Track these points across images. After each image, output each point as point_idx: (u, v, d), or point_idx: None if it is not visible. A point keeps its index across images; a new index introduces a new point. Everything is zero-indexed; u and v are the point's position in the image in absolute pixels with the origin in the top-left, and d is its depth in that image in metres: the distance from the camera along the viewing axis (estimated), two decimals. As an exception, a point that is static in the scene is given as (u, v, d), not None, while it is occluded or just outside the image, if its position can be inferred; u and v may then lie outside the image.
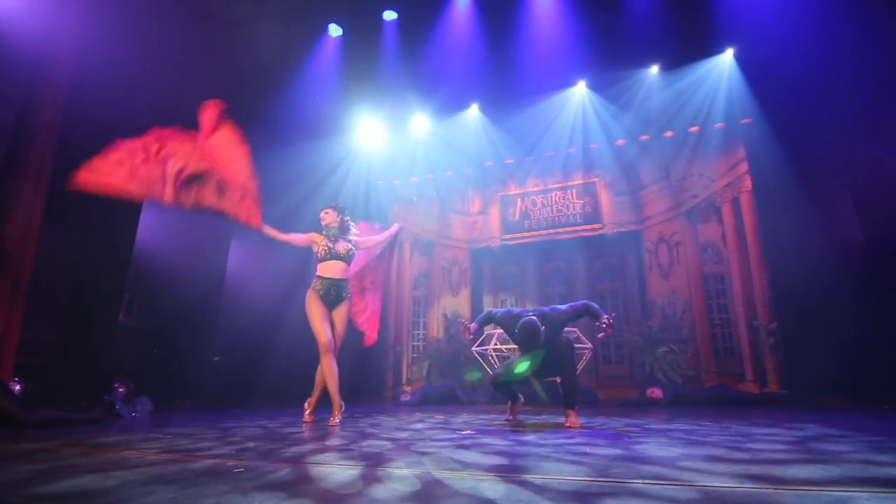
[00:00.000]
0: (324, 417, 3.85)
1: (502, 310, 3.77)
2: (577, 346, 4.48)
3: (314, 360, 3.92)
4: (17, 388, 4.33)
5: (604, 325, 3.24)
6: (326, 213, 4.06)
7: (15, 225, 4.31)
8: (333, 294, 3.85)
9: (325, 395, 3.86)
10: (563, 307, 3.49)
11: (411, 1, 6.86)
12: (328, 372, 3.75)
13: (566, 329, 3.54)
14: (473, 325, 3.74)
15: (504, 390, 3.73)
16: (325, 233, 3.99)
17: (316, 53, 7.33)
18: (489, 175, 8.47)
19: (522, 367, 3.42)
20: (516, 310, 3.67)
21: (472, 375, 7.16)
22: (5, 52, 4.46)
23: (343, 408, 3.81)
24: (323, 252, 3.89)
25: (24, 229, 4.37)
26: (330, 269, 3.88)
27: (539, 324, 3.28)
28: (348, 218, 4.13)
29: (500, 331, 7.11)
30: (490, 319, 3.81)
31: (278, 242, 3.91)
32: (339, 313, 3.90)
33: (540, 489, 1.41)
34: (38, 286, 4.59)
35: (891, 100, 5.28)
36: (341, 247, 3.94)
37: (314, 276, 3.91)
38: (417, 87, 7.38)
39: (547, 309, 3.50)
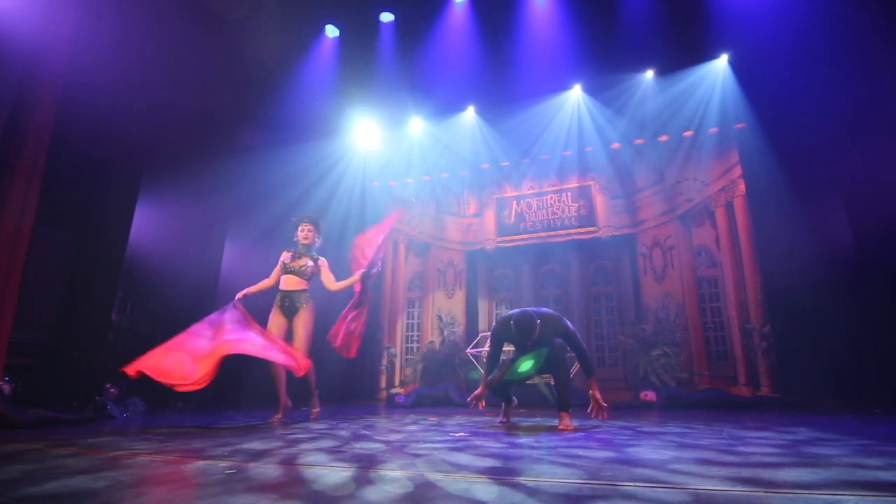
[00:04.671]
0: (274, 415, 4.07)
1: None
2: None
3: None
4: (8, 388, 4.29)
5: (592, 411, 3.36)
6: (305, 228, 4.34)
7: (6, 224, 4.27)
8: (287, 304, 4.14)
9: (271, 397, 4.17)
10: (570, 325, 3.48)
11: (408, 2, 6.87)
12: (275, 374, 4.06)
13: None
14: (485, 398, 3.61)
15: (500, 393, 3.72)
16: (293, 249, 4.31)
17: (313, 54, 7.33)
18: (485, 177, 8.49)
19: (526, 365, 3.44)
20: (513, 311, 3.63)
21: (474, 374, 7.14)
22: (-1, 50, 4.44)
23: (289, 408, 4.12)
24: (281, 266, 4.26)
25: (16, 229, 4.33)
26: (285, 282, 4.20)
27: (534, 316, 3.30)
28: (320, 240, 4.48)
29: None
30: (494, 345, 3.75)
31: (268, 244, 4.17)
32: (299, 321, 4.13)
33: (532, 491, 1.41)
34: (29, 286, 4.55)
35: (881, 105, 5.33)
36: (297, 262, 4.24)
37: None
38: (414, 88, 7.39)
39: (555, 314, 3.50)
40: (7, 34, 4.49)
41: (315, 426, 3.53)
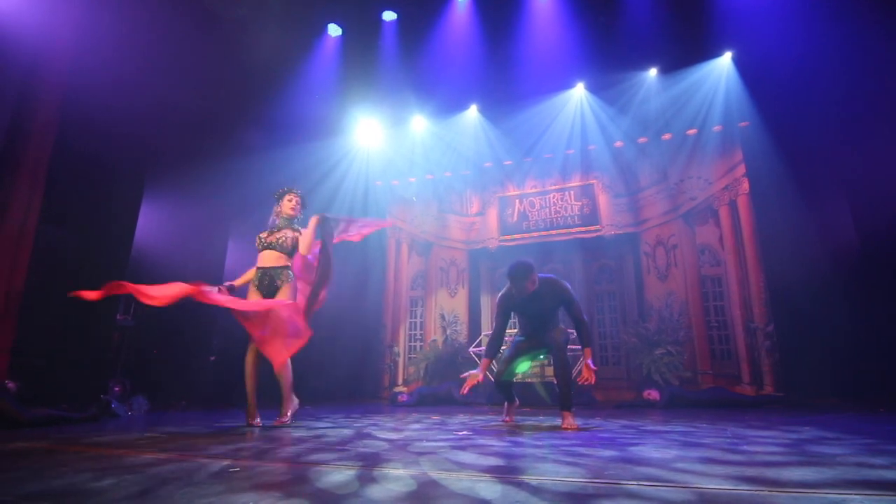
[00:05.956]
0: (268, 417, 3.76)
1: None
2: (573, 347, 4.48)
3: (310, 359, 3.86)
4: (13, 386, 4.31)
5: (584, 373, 3.27)
6: (294, 198, 3.90)
7: (11, 224, 4.30)
8: (267, 282, 3.71)
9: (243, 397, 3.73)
10: (573, 291, 3.45)
11: (411, 1, 6.87)
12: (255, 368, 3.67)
13: (565, 335, 3.51)
14: (482, 376, 3.45)
15: (505, 389, 3.74)
16: (268, 227, 3.88)
17: (315, 53, 7.34)
18: (487, 176, 8.48)
19: (523, 366, 3.51)
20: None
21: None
22: (1, 51, 4.45)
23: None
24: (258, 245, 3.84)
25: (21, 228, 4.36)
26: (262, 259, 3.79)
27: (531, 265, 3.29)
28: (302, 216, 4.02)
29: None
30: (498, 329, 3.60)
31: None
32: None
33: (536, 490, 1.41)
34: (34, 285, 4.57)
35: (886, 103, 5.30)
36: (275, 236, 3.82)
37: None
38: (416, 87, 7.39)
39: (556, 277, 3.48)
40: (10, 34, 4.50)
41: (318, 425, 3.53)
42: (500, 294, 3.61)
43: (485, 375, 3.46)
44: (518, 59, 6.80)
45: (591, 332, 3.39)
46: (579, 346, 3.46)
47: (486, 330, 7.43)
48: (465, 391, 3.44)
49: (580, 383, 3.26)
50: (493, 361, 3.68)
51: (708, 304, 6.70)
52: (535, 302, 3.40)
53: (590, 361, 3.30)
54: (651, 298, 7.00)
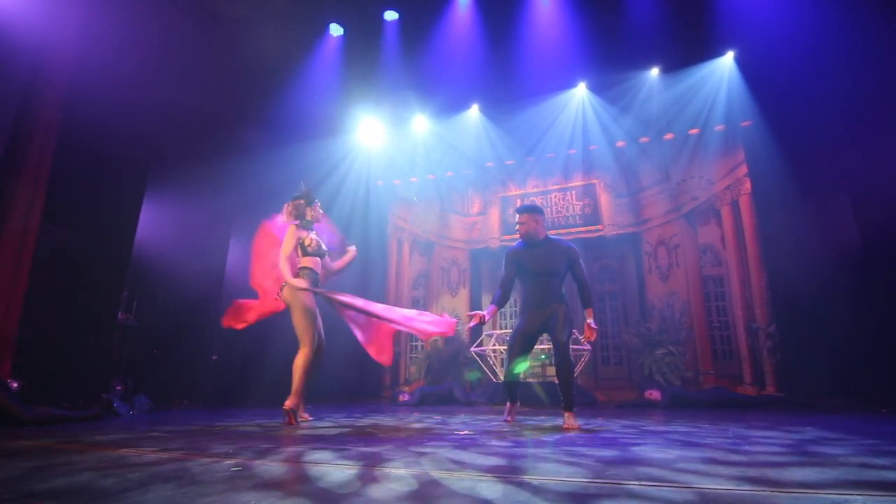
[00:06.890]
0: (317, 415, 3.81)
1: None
2: (575, 347, 4.47)
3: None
4: (15, 385, 4.32)
5: (586, 333, 3.44)
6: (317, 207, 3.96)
7: (13, 223, 4.30)
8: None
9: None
10: (578, 253, 3.60)
11: (412, 1, 6.86)
12: (307, 365, 3.68)
13: (568, 331, 3.53)
14: (487, 316, 3.49)
15: (510, 389, 3.75)
16: (303, 225, 3.83)
17: (317, 53, 7.34)
18: (489, 176, 8.48)
19: (521, 367, 3.55)
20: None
21: (472, 375, 7.17)
22: (4, 51, 4.46)
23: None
24: (315, 247, 3.79)
25: (23, 228, 4.36)
26: (318, 264, 3.82)
27: (543, 211, 3.62)
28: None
29: (498, 331, 7.13)
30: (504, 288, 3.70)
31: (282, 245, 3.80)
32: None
33: (537, 490, 1.41)
34: (36, 284, 4.58)
35: (888, 103, 5.29)
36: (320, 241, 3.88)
37: (299, 268, 3.75)
38: (418, 87, 7.38)
39: (560, 237, 3.68)
40: (13, 34, 4.51)
41: (320, 424, 3.54)
42: (507, 249, 3.79)
43: (490, 317, 3.52)
44: (519, 58, 6.79)
45: (592, 293, 3.60)
46: (583, 346, 3.49)
47: (487, 330, 7.42)
48: (467, 331, 3.62)
49: (582, 343, 3.34)
50: (498, 361, 3.72)
51: (710, 304, 6.69)
52: (540, 254, 3.57)
53: (591, 321, 3.45)
54: (653, 298, 6.99)
